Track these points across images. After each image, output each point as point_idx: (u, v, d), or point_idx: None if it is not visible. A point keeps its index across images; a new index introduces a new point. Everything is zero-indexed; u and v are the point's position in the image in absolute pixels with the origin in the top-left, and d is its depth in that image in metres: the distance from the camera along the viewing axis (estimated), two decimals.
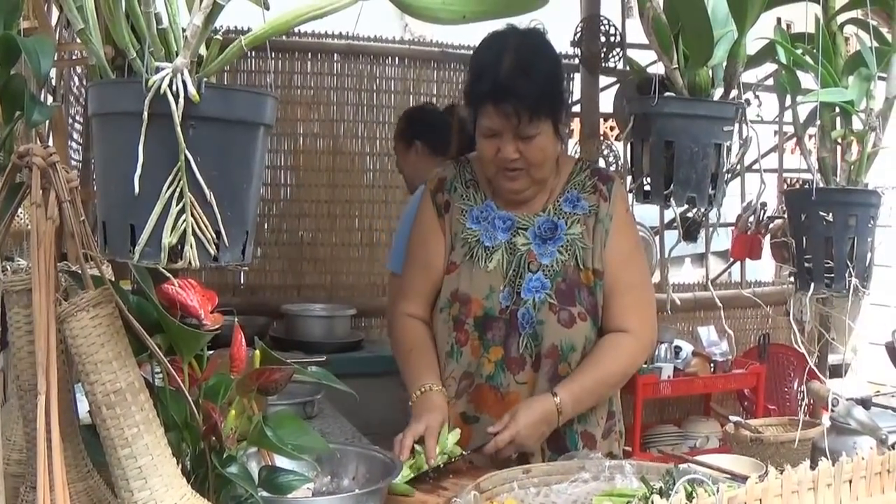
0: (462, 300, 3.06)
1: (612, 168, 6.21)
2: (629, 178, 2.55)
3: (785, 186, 6.71)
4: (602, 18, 6.25)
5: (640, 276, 3.20)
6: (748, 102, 2.32)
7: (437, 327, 3.14)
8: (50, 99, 3.10)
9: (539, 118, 2.91)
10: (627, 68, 6.10)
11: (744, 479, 2.19)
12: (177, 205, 1.47)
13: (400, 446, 2.79)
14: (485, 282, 3.05)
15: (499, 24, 2.97)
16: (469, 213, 3.14)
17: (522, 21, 2.92)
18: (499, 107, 2.91)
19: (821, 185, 2.41)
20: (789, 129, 2.58)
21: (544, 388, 3.00)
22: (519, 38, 2.98)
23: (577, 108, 6.24)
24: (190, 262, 1.49)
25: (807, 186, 2.42)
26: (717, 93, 2.26)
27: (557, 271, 3.03)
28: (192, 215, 1.48)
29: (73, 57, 3.11)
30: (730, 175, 2.32)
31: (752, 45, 2.34)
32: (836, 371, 5.86)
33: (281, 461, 2.19)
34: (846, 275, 2.35)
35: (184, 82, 1.45)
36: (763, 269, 7.28)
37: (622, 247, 3.11)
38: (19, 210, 1.78)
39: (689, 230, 4.90)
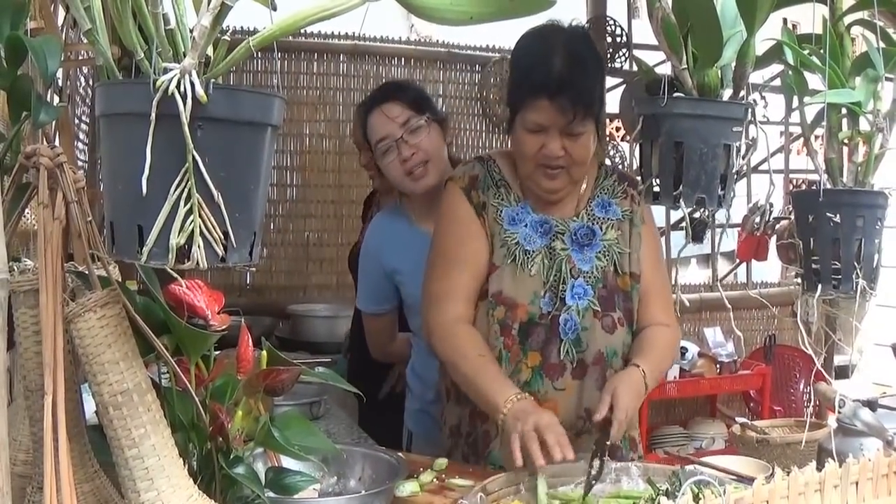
0: (508, 304, 2.97)
1: (615, 164, 6.22)
2: (638, 180, 2.55)
3: (791, 187, 6.71)
4: (608, 19, 6.26)
5: (665, 275, 3.22)
6: (755, 103, 2.32)
7: (480, 327, 3.01)
8: (56, 99, 3.09)
9: (591, 115, 2.86)
10: (633, 69, 6.10)
11: (750, 480, 2.19)
12: (185, 205, 1.47)
13: (528, 451, 2.53)
14: (529, 287, 2.97)
15: (507, 25, 2.95)
16: (505, 214, 3.05)
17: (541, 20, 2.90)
18: (556, 101, 2.82)
19: (828, 185, 2.40)
20: (796, 130, 2.59)
21: (593, 394, 2.93)
22: (568, 34, 2.93)
23: None
24: (198, 263, 1.49)
25: (814, 187, 2.41)
26: (726, 93, 2.26)
27: (598, 278, 3.00)
28: (200, 216, 1.48)
29: (80, 57, 3.12)
30: (737, 176, 2.32)
31: (760, 45, 2.34)
32: (843, 372, 5.87)
33: (287, 462, 2.19)
34: (853, 276, 2.34)
35: (192, 83, 1.45)
36: (769, 269, 7.28)
37: (653, 249, 3.14)
38: (26, 210, 1.78)
39: (696, 231, 4.89)
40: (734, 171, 2.23)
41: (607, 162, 5.95)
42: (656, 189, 2.26)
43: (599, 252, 3.03)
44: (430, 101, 3.73)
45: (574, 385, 2.97)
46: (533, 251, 3.00)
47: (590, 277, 3.00)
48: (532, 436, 2.55)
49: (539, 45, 2.93)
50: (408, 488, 2.59)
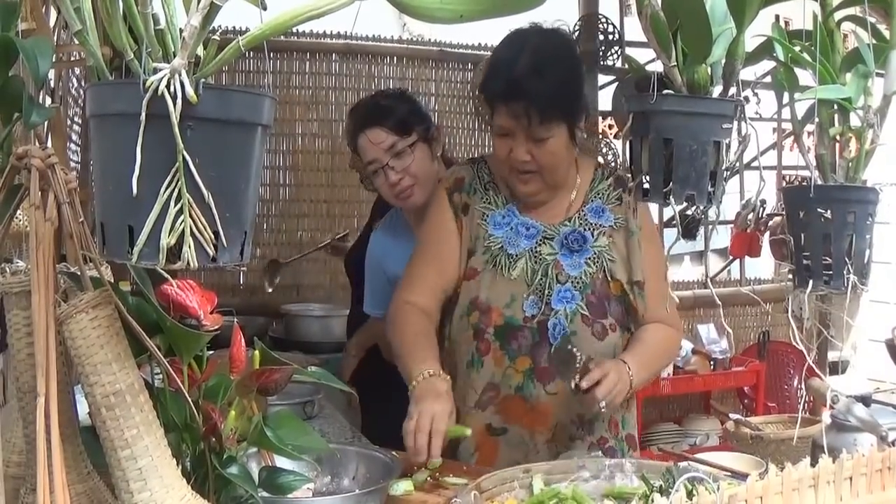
0: (482, 309, 3.00)
1: (612, 165, 6.20)
2: (629, 177, 2.55)
3: (784, 184, 6.70)
4: (600, 16, 6.25)
5: (666, 276, 3.22)
6: (747, 100, 2.32)
7: (456, 336, 3.08)
8: (48, 100, 3.09)
9: (551, 121, 2.87)
10: (626, 66, 6.10)
11: (744, 476, 2.19)
12: (175, 206, 1.47)
13: (415, 447, 2.69)
14: (506, 290, 2.99)
15: (499, 23, 2.94)
16: (491, 218, 3.09)
17: (532, 16, 2.90)
18: (510, 106, 2.87)
19: (819, 182, 2.41)
20: (788, 127, 2.59)
21: (584, 399, 2.89)
22: (539, 38, 2.94)
23: None
24: (188, 263, 1.49)
25: (805, 184, 2.42)
26: (716, 90, 2.26)
27: (587, 283, 3.00)
28: (191, 216, 1.48)
29: (72, 58, 3.11)
30: (729, 173, 2.32)
31: (750, 42, 2.34)
32: (836, 368, 5.86)
33: (281, 461, 2.19)
34: (845, 271, 2.34)
35: (181, 83, 1.45)
36: (762, 266, 7.28)
37: (655, 253, 3.14)
38: (18, 212, 1.78)
39: (689, 228, 4.89)
40: (724, 167, 2.24)
41: (604, 161, 6.06)
42: (646, 186, 2.26)
43: (589, 258, 3.03)
44: (417, 114, 3.75)
45: (566, 389, 2.94)
46: (516, 254, 3.02)
47: (578, 283, 3.00)
48: (423, 429, 2.68)
49: (505, 49, 2.98)
50: (402, 487, 2.59)
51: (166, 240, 1.47)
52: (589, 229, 3.06)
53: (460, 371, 3.06)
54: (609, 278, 3.03)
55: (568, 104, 2.92)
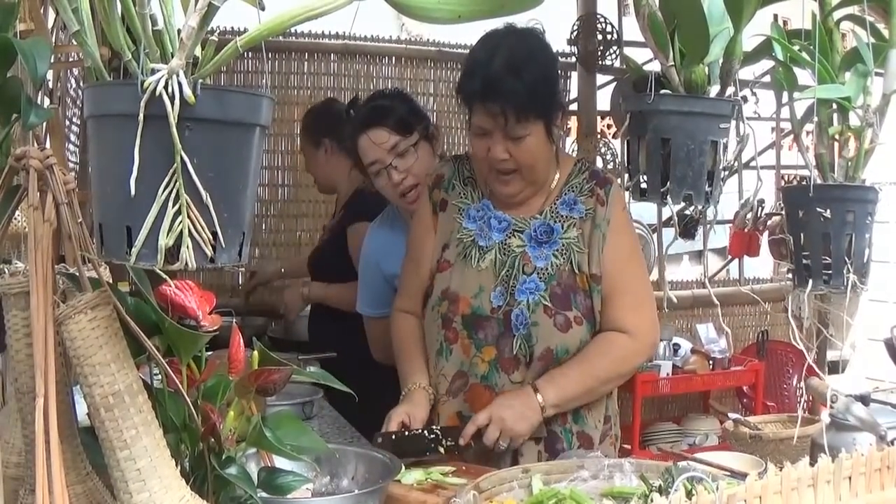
0: (451, 298, 3.07)
1: (610, 165, 6.20)
2: (626, 176, 2.55)
3: (783, 183, 6.70)
4: (598, 16, 6.25)
5: (638, 277, 3.17)
6: (745, 99, 2.32)
7: (427, 325, 3.17)
8: (47, 101, 3.08)
9: (528, 119, 2.90)
10: (624, 66, 6.09)
11: (743, 476, 2.19)
12: (173, 206, 1.47)
13: (387, 423, 2.97)
14: (475, 281, 3.06)
15: (495, 23, 2.96)
16: (466, 212, 3.16)
17: (521, 20, 2.91)
18: (486, 105, 2.92)
19: (818, 181, 2.41)
20: (787, 126, 2.59)
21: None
22: (514, 38, 2.96)
23: (574, 107, 6.23)
24: (187, 264, 1.49)
25: (804, 183, 2.42)
26: (714, 90, 2.26)
27: (552, 275, 3.02)
28: (189, 217, 1.48)
29: (70, 59, 3.11)
30: (727, 172, 2.32)
31: (749, 41, 2.35)
32: (835, 367, 5.86)
33: (280, 462, 2.19)
34: (844, 271, 2.35)
35: (179, 84, 1.45)
36: (761, 266, 7.28)
37: (620, 250, 3.09)
38: (17, 212, 1.78)
39: (688, 227, 4.89)
40: (722, 167, 2.24)
41: (599, 161, 6.06)
42: (643, 186, 2.27)
43: (556, 250, 3.06)
44: (417, 114, 3.77)
45: (530, 380, 3.02)
46: (487, 247, 3.09)
47: (543, 274, 3.03)
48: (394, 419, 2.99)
49: (480, 50, 3.01)
50: (413, 476, 2.62)
51: (164, 240, 1.47)
52: (559, 221, 3.09)
53: (432, 359, 3.16)
54: (576, 270, 3.04)
55: (543, 102, 2.95)
